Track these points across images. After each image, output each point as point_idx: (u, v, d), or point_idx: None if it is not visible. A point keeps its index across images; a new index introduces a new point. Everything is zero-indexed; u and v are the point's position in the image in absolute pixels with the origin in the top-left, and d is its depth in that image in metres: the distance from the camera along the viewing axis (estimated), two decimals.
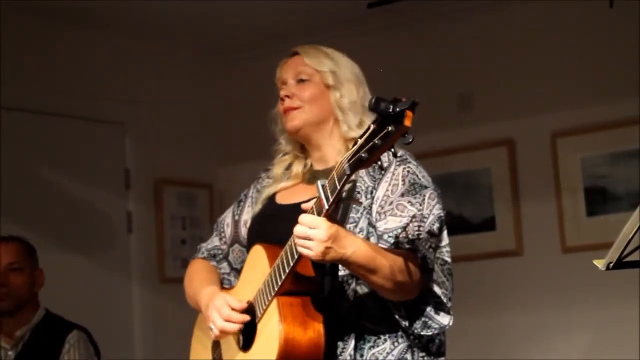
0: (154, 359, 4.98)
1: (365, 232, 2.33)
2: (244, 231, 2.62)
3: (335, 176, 2.07)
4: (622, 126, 4.47)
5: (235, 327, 2.38)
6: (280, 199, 2.54)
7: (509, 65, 4.84)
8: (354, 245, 2.17)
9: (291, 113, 2.50)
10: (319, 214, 2.13)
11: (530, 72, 4.77)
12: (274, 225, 2.44)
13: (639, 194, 4.34)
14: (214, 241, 2.70)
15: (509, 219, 4.76)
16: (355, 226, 2.33)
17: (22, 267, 3.72)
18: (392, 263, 2.21)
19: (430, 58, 5.01)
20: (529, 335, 4.66)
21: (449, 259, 2.38)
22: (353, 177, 2.14)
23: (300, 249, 2.15)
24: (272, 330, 2.26)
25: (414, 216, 2.31)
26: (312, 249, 2.13)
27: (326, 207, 2.11)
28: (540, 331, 4.63)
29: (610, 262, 2.06)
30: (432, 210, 2.33)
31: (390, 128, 1.92)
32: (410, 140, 1.94)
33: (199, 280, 2.59)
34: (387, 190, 2.36)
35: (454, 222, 4.38)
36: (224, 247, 2.67)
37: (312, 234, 2.12)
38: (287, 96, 2.51)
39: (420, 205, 2.33)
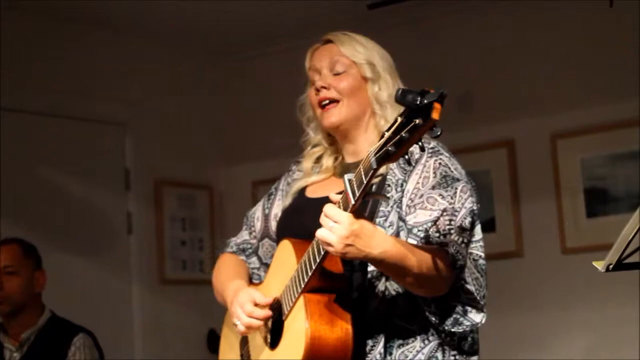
0: (153, 359, 4.98)
1: (395, 226, 2.23)
2: (274, 225, 2.53)
3: (362, 170, 1.98)
4: (622, 127, 4.46)
5: (259, 323, 2.30)
6: (310, 193, 2.45)
7: (509, 65, 4.83)
8: (383, 245, 2.07)
9: (329, 110, 2.38)
10: (345, 209, 2.03)
11: (530, 72, 4.76)
12: (303, 219, 2.33)
13: (638, 195, 4.33)
14: (244, 235, 2.61)
15: (509, 220, 4.75)
16: (385, 220, 2.24)
17: (17, 270, 3.70)
18: (421, 260, 2.11)
19: (430, 58, 5.00)
20: (529, 337, 4.65)
21: (482, 254, 2.29)
22: (382, 170, 2.04)
23: (322, 243, 2.07)
24: (298, 328, 2.19)
25: (444, 210, 2.20)
26: (333, 244, 2.04)
27: (352, 202, 2.01)
28: (541, 332, 4.62)
29: (610, 264, 2.05)
30: (464, 203, 2.22)
31: (417, 121, 1.84)
32: (439, 133, 1.85)
33: (226, 275, 2.51)
34: (418, 182, 2.26)
35: None
36: (254, 241, 2.58)
37: (334, 228, 2.03)
38: (324, 87, 2.40)
39: (452, 198, 2.22)
